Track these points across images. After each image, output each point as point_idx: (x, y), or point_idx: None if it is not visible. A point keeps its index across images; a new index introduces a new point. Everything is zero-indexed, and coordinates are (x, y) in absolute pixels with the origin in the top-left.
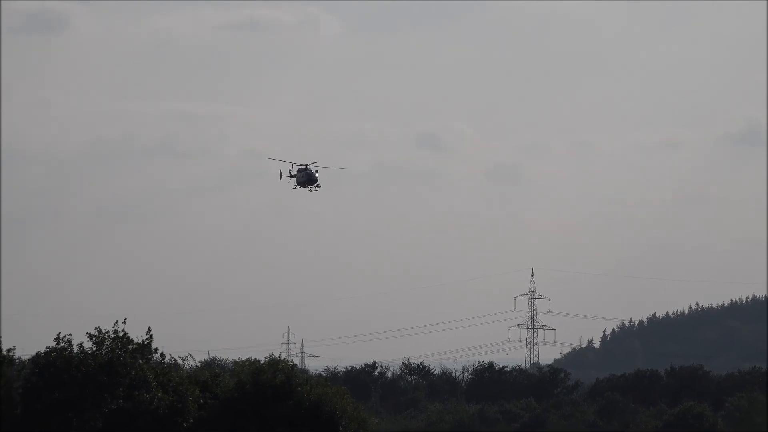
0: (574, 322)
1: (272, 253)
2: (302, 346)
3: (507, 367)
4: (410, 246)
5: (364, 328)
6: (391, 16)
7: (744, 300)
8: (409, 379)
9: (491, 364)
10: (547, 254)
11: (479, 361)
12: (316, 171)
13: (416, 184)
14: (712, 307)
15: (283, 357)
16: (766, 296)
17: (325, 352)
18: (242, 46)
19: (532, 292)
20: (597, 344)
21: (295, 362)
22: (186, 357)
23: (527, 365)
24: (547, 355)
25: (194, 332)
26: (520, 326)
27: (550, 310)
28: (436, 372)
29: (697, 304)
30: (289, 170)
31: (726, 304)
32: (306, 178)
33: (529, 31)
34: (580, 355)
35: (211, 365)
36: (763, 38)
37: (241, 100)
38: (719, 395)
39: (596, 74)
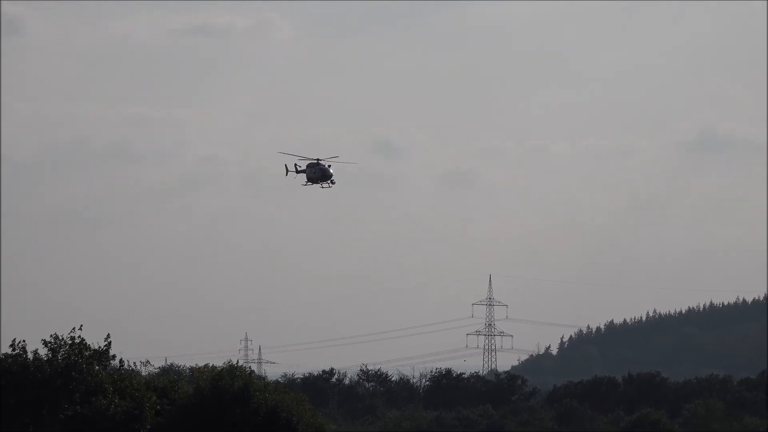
0: (531, 328)
1: (229, 258)
2: (260, 353)
3: (464, 373)
4: (367, 252)
5: (322, 335)
6: (344, 21)
7: (701, 307)
8: (367, 385)
9: (449, 371)
10: (504, 260)
11: (437, 368)
12: (329, 165)
13: (372, 189)
14: (669, 313)
15: (240, 363)
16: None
17: (283, 358)
18: (197, 51)
19: (490, 298)
20: (554, 351)
21: (252, 369)
22: (145, 363)
23: (485, 372)
24: (505, 362)
25: (152, 338)
26: (478, 333)
27: (507, 316)
28: (393, 378)
29: (654, 311)
30: (296, 165)
31: (683, 311)
32: (320, 174)
33: (483, 36)
34: (537, 362)
35: (169, 371)
36: (715, 44)
37: (196, 104)
38: (676, 402)
39: (550, 79)
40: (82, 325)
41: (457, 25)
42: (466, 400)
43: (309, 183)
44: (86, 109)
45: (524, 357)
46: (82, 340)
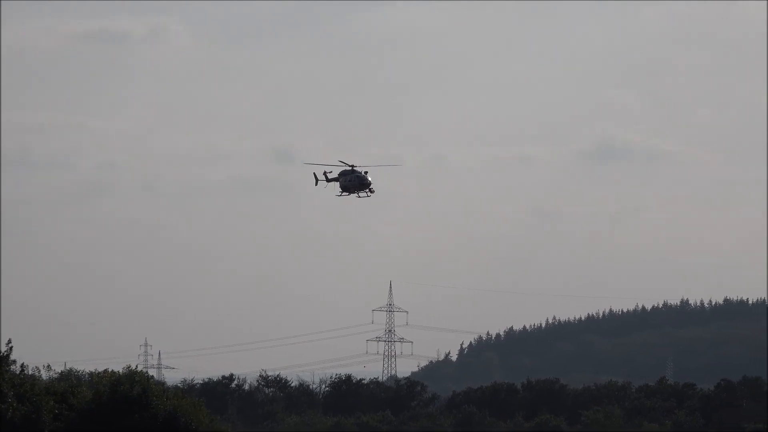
0: (431, 335)
1: (128, 264)
2: (159, 358)
3: (364, 379)
4: (268, 258)
5: (222, 341)
6: (242, 27)
7: (601, 314)
8: (267, 391)
9: (348, 377)
10: (405, 267)
11: (336, 374)
12: (366, 172)
13: (272, 197)
14: (568, 320)
15: (140, 369)
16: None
17: (183, 363)
18: (94, 57)
19: (390, 304)
20: (454, 357)
21: (152, 374)
22: (46, 367)
23: (384, 378)
24: (405, 368)
25: (53, 343)
26: (378, 339)
27: (407, 323)
28: (293, 384)
29: (554, 318)
30: (325, 174)
31: (583, 318)
32: (357, 182)
33: (384, 44)
34: (437, 368)
35: (69, 376)
36: (615, 55)
37: (94, 111)
38: (575, 408)
39: (450, 88)
40: None
41: (357, 31)
42: (365, 406)
43: (344, 193)
44: None
45: (424, 363)
46: None
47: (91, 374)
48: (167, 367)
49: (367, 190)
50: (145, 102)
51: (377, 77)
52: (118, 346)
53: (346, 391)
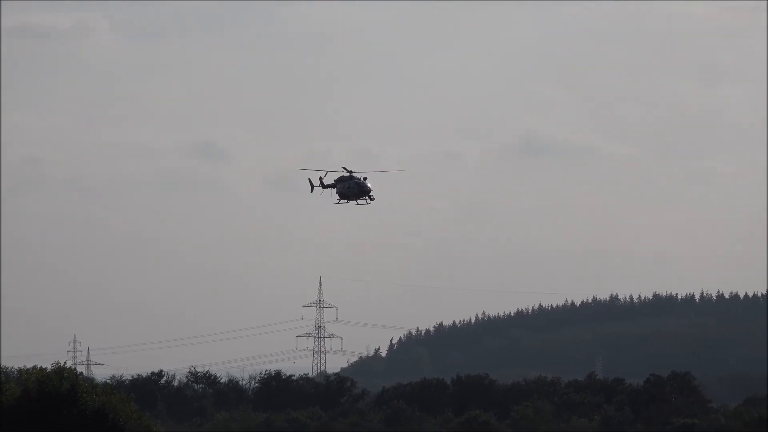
0: (361, 330)
1: (56, 261)
2: (89, 354)
3: (294, 375)
4: (195, 255)
5: (151, 337)
6: (166, 22)
7: (530, 309)
8: (196, 387)
9: (278, 373)
10: (334, 263)
11: (266, 370)
12: (365, 179)
13: (198, 192)
14: (498, 316)
15: (69, 365)
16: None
17: (112, 360)
18: (18, 52)
19: (320, 300)
20: (384, 353)
21: (80, 371)
22: None
23: (314, 374)
24: (335, 364)
25: None
26: (308, 335)
27: (337, 318)
28: (222, 380)
29: (483, 313)
30: (321, 180)
31: (512, 314)
32: (357, 189)
33: (308, 38)
34: (367, 364)
35: None
36: (539, 51)
37: (18, 106)
38: (505, 404)
39: (376, 83)
40: None
41: (285, 27)
42: (295, 402)
43: (342, 201)
44: None
45: (354, 359)
46: None
47: (19, 371)
48: (96, 364)
49: (367, 198)
50: (69, 97)
51: (304, 72)
52: (47, 343)
53: (275, 387)
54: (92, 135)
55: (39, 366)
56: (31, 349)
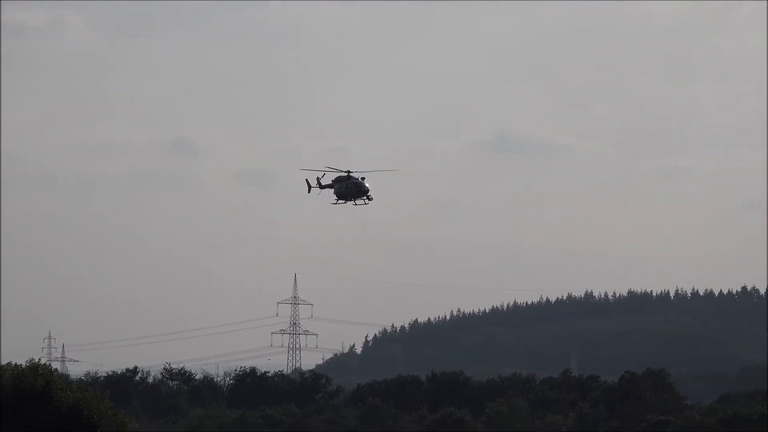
0: (336, 327)
1: (30, 257)
2: (63, 351)
3: (269, 372)
4: (172, 251)
5: (126, 333)
6: (140, 20)
7: (505, 306)
8: (170, 384)
9: (253, 370)
10: (309, 260)
11: (241, 367)
12: (363, 179)
13: (170, 189)
14: (473, 313)
15: (43, 362)
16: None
17: (86, 356)
18: None
19: (295, 297)
20: (359, 350)
21: (55, 367)
22: None
23: (289, 371)
24: (310, 361)
25: None
26: (283, 332)
27: (312, 315)
28: (197, 377)
29: (458, 310)
30: (318, 180)
31: (487, 311)
32: (354, 189)
33: (281, 35)
34: (341, 361)
35: None
36: (514, 48)
37: None
38: (480, 401)
39: (348, 80)
40: None
41: (258, 24)
42: (270, 398)
43: (340, 201)
44: None
45: (329, 356)
46: None
47: None
48: (71, 360)
49: (365, 198)
50: (43, 93)
51: (277, 70)
52: (21, 339)
53: (250, 384)
54: (65, 132)
55: (13, 362)
56: (6, 345)
